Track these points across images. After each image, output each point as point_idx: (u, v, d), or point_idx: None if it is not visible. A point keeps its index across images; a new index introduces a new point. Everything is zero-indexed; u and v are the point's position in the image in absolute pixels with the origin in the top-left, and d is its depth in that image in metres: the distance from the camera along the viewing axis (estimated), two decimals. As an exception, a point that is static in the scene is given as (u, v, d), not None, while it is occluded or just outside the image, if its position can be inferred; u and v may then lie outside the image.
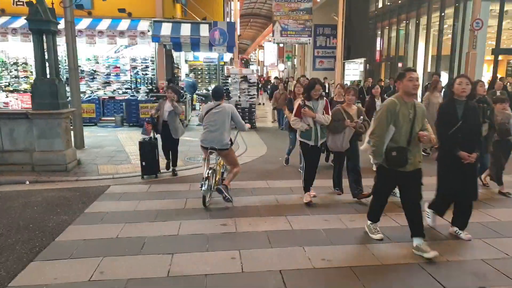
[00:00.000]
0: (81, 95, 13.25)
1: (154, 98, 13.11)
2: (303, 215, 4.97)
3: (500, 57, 16.23)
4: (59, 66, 13.33)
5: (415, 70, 3.89)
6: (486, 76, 16.48)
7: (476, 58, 14.45)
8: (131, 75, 14.66)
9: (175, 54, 16.92)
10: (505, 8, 15.00)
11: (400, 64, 20.96)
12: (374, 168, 5.20)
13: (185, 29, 13.13)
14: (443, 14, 16.14)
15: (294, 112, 5.32)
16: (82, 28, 12.73)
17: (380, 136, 3.79)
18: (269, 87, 21.69)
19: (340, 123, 5.37)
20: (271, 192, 5.99)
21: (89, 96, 13.27)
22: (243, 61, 19.34)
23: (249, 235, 4.31)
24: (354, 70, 29.25)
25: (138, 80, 14.68)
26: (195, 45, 13.65)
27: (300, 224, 4.63)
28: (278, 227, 4.55)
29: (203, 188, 5.18)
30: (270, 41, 54.48)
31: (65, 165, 6.88)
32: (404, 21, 19.41)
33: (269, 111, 19.59)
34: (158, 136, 7.10)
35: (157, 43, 13.83)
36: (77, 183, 6.41)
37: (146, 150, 6.79)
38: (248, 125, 6.45)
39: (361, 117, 5.51)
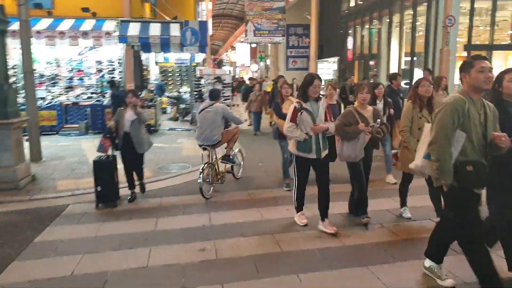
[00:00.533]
0: (41, 101, 12.31)
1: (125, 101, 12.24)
2: (293, 231, 4.38)
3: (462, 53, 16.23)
4: (15, 70, 12.46)
5: (486, 58, 2.94)
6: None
7: (449, 55, 14.33)
8: (96, 79, 13.72)
9: (144, 55, 16.06)
10: (475, 6, 14.96)
11: (372, 62, 20.78)
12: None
13: (155, 29, 12.34)
14: (415, 11, 15.97)
15: (289, 117, 4.33)
16: (41, 28, 11.72)
17: (443, 146, 2.81)
18: (243, 88, 21.14)
19: (353, 128, 4.41)
20: (254, 204, 5.37)
21: (50, 102, 12.26)
22: (216, 62, 18.72)
23: (233, 263, 3.67)
24: (327, 69, 29.08)
25: (104, 84, 13.76)
26: (165, 45, 12.86)
27: (291, 244, 4.03)
28: (266, 249, 3.93)
29: (199, 181, 5.66)
30: (242, 41, 54.03)
31: (16, 183, 6.01)
32: (377, 19, 19.22)
33: (244, 112, 19.07)
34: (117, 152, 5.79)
35: (124, 44, 12.96)
36: (29, 203, 5.56)
37: (103, 171, 5.36)
38: (244, 118, 7.56)
39: (378, 120, 4.51)
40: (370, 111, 4.58)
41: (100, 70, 13.72)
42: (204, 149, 6.27)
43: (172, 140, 10.84)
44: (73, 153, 8.85)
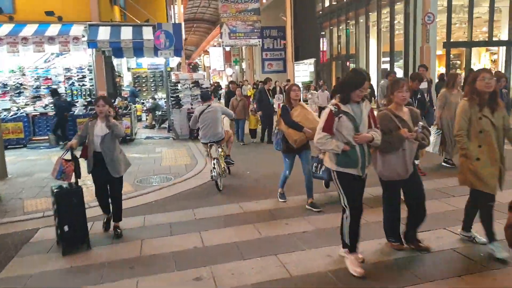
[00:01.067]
0: (5, 112, 11.42)
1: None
2: (298, 250, 3.91)
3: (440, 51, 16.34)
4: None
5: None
6: (440, 70, 16.54)
7: (430, 52, 14.32)
8: (65, 87, 12.91)
9: (116, 61, 15.31)
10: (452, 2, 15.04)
11: (347, 63, 20.75)
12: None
13: (126, 33, 11.66)
14: (392, 9, 15.95)
15: (321, 125, 3.33)
16: (2, 35, 10.84)
17: None
18: (220, 92, 20.52)
19: (394, 136, 3.48)
20: (249, 219, 4.88)
21: (15, 114, 11.38)
22: (191, 66, 18.09)
23: (235, 294, 3.17)
24: (303, 71, 28.95)
25: (75, 92, 12.96)
26: (138, 50, 12.19)
27: (299, 266, 3.56)
28: (272, 274, 3.44)
29: (213, 175, 6.23)
30: (215, 46, 53.45)
31: (-24, 206, 5.32)
32: (353, 19, 19.17)
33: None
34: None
35: (94, 50, 12.23)
36: (-8, 230, 4.89)
37: (67, 206, 4.09)
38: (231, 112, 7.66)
39: (420, 123, 3.59)
40: (407, 113, 3.63)
41: (69, 78, 12.93)
42: (211, 146, 6.72)
43: (150, 150, 10.21)
44: (43, 168, 8.09)
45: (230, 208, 5.35)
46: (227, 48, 42.14)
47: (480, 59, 20.07)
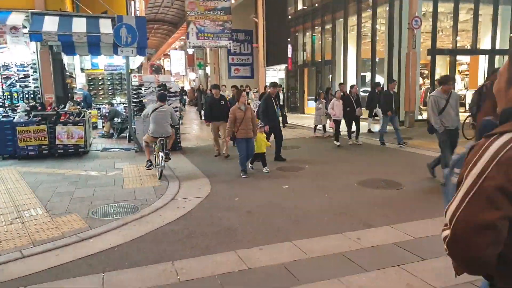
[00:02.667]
0: None
1: (39, 118, 9.54)
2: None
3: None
4: None
5: None
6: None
7: (416, 58, 13.48)
8: (3, 88, 10.78)
9: (67, 59, 13.26)
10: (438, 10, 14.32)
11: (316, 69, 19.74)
12: None
13: (79, 25, 9.76)
14: (374, 13, 15.03)
15: None
16: None
17: None
18: (185, 98, 18.75)
19: None
20: (253, 283, 3.37)
21: None
22: (153, 68, 16.25)
23: None
24: (273, 78, 27.74)
25: (15, 94, 10.85)
26: (93, 46, 10.34)
27: None
28: None
29: (161, 164, 7.12)
30: (176, 49, 51.31)
31: None
32: (330, 22, 18.15)
33: (195, 124, 16.68)
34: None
35: (39, 44, 10.26)
36: None
37: None
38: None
39: None
40: None
41: (7, 78, 10.81)
42: (160, 141, 7.37)
43: (108, 166, 8.42)
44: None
45: (226, 261, 3.79)
46: (190, 51, 40.38)
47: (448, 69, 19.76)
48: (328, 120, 11.97)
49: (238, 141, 7.44)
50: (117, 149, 10.56)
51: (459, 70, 21.23)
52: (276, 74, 28.42)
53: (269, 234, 4.37)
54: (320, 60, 19.25)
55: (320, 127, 12.62)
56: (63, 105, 10.17)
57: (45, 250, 3.96)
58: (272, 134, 8.76)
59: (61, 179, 7.22)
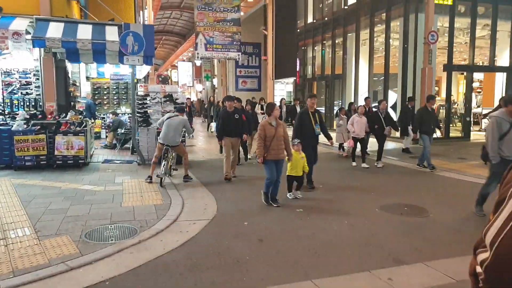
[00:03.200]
0: None
1: (38, 127, 9.09)
2: None
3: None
4: None
5: None
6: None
7: (432, 74, 12.97)
8: (3, 95, 10.39)
9: (71, 67, 12.90)
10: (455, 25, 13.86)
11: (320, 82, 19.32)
12: None
13: (84, 32, 9.39)
14: (388, 27, 14.60)
15: None
16: None
17: None
18: (212, 109, 18.12)
19: None
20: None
21: None
22: (160, 79, 15.93)
23: None
24: (280, 91, 27.36)
25: (15, 102, 10.46)
26: (98, 54, 9.94)
27: None
28: None
29: (160, 173, 7.47)
30: (184, 60, 51.29)
31: None
32: (341, 36, 17.76)
33: (201, 136, 16.09)
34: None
35: (42, 50, 9.89)
36: None
37: None
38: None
39: None
40: None
41: (8, 84, 10.43)
42: (166, 149, 7.74)
43: (108, 179, 7.91)
44: None
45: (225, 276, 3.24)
46: (198, 63, 40.25)
47: (459, 86, 19.25)
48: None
49: (266, 163, 6.07)
50: (119, 161, 10.07)
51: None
52: (284, 87, 28.08)
53: (286, 270, 3.80)
54: (329, 73, 18.80)
55: (336, 144, 11.66)
56: (64, 114, 9.73)
57: (24, 283, 3.41)
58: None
59: (57, 194, 6.72)
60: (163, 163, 7.60)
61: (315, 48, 20.41)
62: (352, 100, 15.34)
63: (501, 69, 14.78)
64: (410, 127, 10.53)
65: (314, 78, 20.69)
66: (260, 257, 4.12)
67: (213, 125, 15.19)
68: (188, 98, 15.33)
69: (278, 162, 6.15)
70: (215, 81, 38.28)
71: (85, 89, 15.38)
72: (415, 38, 13.18)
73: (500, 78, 15.33)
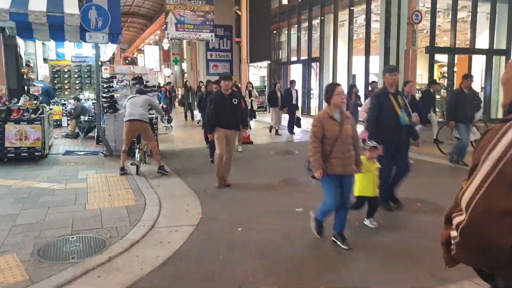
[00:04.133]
0: None
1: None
2: None
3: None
4: None
5: None
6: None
7: (416, 56, 12.44)
8: None
9: (24, 47, 11.47)
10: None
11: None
12: None
13: (38, 2, 8.04)
14: (369, 7, 13.93)
15: None
16: None
17: None
18: (189, 95, 16.56)
19: None
20: None
21: None
22: (127, 61, 14.61)
23: None
24: (253, 75, 26.40)
25: (-43, 85, 9.02)
26: (56, 29, 8.66)
27: None
28: None
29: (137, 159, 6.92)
30: (151, 44, 49.08)
31: None
32: (318, 17, 16.98)
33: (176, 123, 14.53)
34: None
35: (-14, 25, 8.50)
36: None
37: None
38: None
39: None
40: None
41: None
42: (139, 134, 7.19)
43: (69, 175, 6.83)
44: None
45: None
46: (166, 47, 38.54)
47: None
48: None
49: (326, 180, 3.89)
50: (82, 153, 8.93)
51: (440, 72, 20.43)
52: (257, 71, 27.10)
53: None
54: (306, 57, 18.04)
55: None
56: (16, 100, 8.44)
57: None
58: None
59: (5, 194, 5.61)
60: (137, 149, 7.05)
61: (291, 30, 19.54)
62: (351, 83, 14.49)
63: (481, 51, 14.45)
64: (433, 114, 9.72)
65: (289, 62, 19.89)
66: (266, 278, 3.28)
67: (197, 113, 13.68)
68: (168, 83, 13.69)
69: (346, 179, 3.93)
70: (184, 65, 36.81)
71: (43, 72, 13.86)
72: (398, 18, 12.56)
73: (477, 61, 14.96)
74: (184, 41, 32.27)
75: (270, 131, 12.46)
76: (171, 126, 13.06)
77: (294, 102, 11.95)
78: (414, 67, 12.38)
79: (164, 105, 12.89)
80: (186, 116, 16.90)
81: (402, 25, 12.59)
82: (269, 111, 13.34)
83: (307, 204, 4.85)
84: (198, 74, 28.90)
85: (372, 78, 14.48)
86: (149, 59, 45.84)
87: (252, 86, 13.20)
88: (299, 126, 12.08)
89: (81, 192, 5.78)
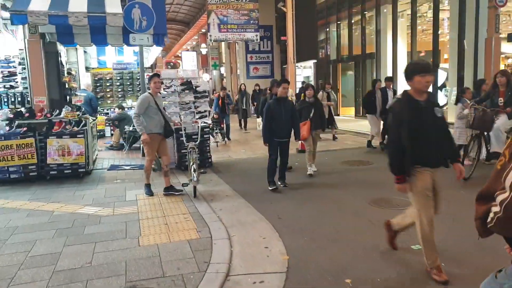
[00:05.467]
0: None
1: (25, 129, 7.09)
2: None
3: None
4: None
5: None
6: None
7: (499, 45, 10.76)
8: (-18, 90, 8.40)
9: (65, 55, 10.88)
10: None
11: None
12: None
13: (78, 2, 7.29)
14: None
15: None
16: None
17: None
18: (243, 101, 14.72)
19: None
20: None
21: None
22: (169, 66, 13.92)
23: None
24: (297, 77, 25.18)
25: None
26: (97, 32, 7.93)
27: None
28: None
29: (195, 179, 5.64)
30: (188, 50, 49.00)
31: None
32: (372, 10, 15.54)
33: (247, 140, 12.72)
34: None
35: (26, 30, 7.84)
36: None
37: None
38: None
39: None
40: None
41: (-14, 76, 8.41)
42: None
43: (117, 195, 5.93)
44: None
45: None
46: (203, 51, 38.16)
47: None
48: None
49: None
50: (128, 167, 8.08)
51: (505, 64, 18.31)
52: (300, 72, 25.86)
53: None
54: (359, 53, 16.60)
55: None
56: (57, 111, 7.70)
57: None
58: None
59: (46, 223, 4.74)
60: (191, 165, 5.90)
61: (340, 25, 18.16)
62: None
63: None
64: None
65: (339, 60, 18.50)
66: None
67: (260, 121, 11.26)
68: (223, 88, 11.95)
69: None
70: (222, 69, 36.13)
71: (85, 81, 13.33)
72: (477, 2, 10.91)
73: None
74: (223, 45, 31.59)
75: (369, 145, 9.64)
76: (225, 141, 11.46)
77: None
78: (497, 57, 10.72)
79: (215, 115, 11.35)
80: (240, 125, 14.88)
81: (482, 9, 10.84)
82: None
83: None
84: (238, 78, 28.08)
85: (439, 73, 12.92)
86: (186, 65, 45.71)
87: (331, 88, 11.39)
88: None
89: (132, 220, 4.82)
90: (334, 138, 11.01)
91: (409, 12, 13.85)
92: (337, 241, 4.10)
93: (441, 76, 13.08)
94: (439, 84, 13.06)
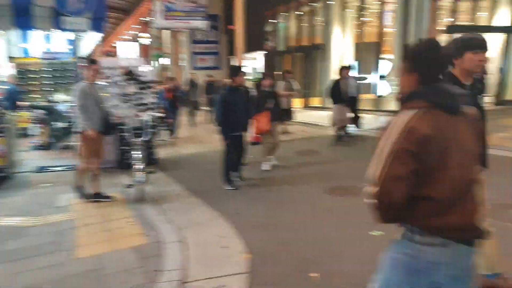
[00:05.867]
0: None
1: None
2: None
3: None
4: None
5: None
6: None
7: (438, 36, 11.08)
8: None
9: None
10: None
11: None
12: None
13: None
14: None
15: None
16: None
17: None
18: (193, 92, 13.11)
19: None
20: None
21: None
22: (109, 56, 12.90)
23: None
24: (244, 68, 24.80)
25: None
26: (21, 14, 6.93)
27: None
28: None
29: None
30: (125, 40, 46.55)
31: None
32: (320, 1, 15.46)
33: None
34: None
35: None
36: None
37: None
38: None
39: None
40: None
41: None
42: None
43: (46, 202, 5.13)
44: None
45: None
46: (144, 42, 36.54)
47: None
48: None
49: None
50: (59, 168, 7.10)
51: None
52: (248, 63, 25.44)
53: None
54: (307, 44, 16.54)
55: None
56: (-28, 105, 6.60)
57: None
58: None
59: (-43, 240, 3.90)
60: (135, 164, 5.13)
61: (289, 16, 17.99)
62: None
63: (503, 29, 13.21)
64: None
65: (287, 51, 18.36)
66: None
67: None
68: (171, 79, 10.33)
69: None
70: (164, 60, 34.67)
71: (6, 72, 11.76)
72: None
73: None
74: (167, 35, 30.27)
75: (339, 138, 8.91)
76: (173, 138, 10.12)
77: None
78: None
79: (161, 110, 9.61)
80: (190, 117, 13.10)
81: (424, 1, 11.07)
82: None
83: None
84: (183, 69, 27.06)
85: (383, 63, 13.15)
86: (123, 55, 43.32)
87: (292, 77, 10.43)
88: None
89: (66, 229, 4.14)
90: (286, 131, 10.34)
91: (355, 3, 13.95)
92: (299, 233, 3.80)
93: (386, 67, 13.32)
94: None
